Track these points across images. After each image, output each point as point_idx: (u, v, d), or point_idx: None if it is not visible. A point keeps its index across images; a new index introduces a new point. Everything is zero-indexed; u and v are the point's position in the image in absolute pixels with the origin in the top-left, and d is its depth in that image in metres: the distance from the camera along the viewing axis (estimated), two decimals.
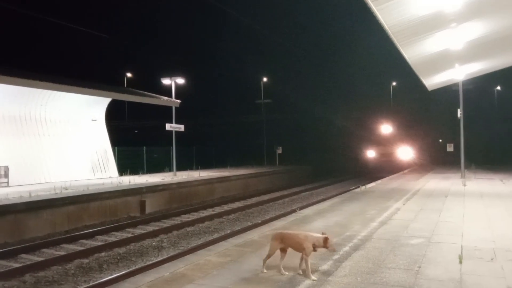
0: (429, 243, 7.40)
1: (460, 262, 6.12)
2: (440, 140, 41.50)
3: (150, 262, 9.65)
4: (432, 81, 20.23)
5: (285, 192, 23.63)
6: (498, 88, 47.49)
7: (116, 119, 28.31)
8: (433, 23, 10.29)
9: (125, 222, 14.30)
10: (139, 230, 13.38)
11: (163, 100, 23.79)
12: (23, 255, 10.40)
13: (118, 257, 10.55)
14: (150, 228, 13.80)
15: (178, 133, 24.15)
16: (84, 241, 12.03)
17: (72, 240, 11.98)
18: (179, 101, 24.17)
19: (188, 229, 13.93)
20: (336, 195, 18.25)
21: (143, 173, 25.73)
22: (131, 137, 37.07)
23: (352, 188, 20.30)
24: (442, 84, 22.55)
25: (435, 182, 19.83)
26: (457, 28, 11.31)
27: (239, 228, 13.79)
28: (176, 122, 23.85)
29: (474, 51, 14.51)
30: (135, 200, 16.49)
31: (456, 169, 24.59)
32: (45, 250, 10.96)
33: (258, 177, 26.68)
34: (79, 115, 21.57)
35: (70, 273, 9.31)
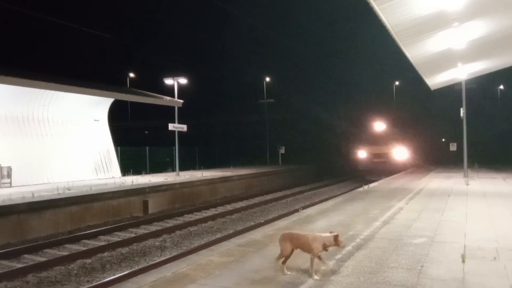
0: (432, 242, 7.38)
1: (463, 261, 6.10)
2: (444, 140, 41.19)
3: (153, 262, 9.66)
4: (435, 80, 20.19)
5: (288, 192, 23.62)
6: (501, 87, 47.32)
7: (119, 119, 28.37)
8: (436, 23, 10.26)
9: (128, 222, 14.33)
10: (142, 230, 13.40)
11: (166, 100, 23.82)
12: (26, 255, 10.43)
13: (121, 257, 10.57)
14: (153, 228, 13.82)
15: (180, 133, 24.18)
16: (87, 241, 12.06)
17: (75, 240, 12.01)
18: (181, 101, 24.20)
19: (191, 229, 13.94)
20: (339, 194, 18.25)
21: (146, 173, 25.77)
22: (134, 137, 37.12)
23: (355, 187, 20.27)
24: (445, 84, 22.49)
25: (437, 181, 19.77)
26: (459, 28, 11.28)
27: (242, 228, 13.80)
28: (179, 122, 23.89)
29: (477, 50, 14.46)
30: (138, 200, 16.52)
31: (458, 169, 24.50)
32: (48, 250, 10.99)
33: (261, 177, 26.68)
34: (82, 115, 21.63)
35: (73, 273, 9.33)
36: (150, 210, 16.79)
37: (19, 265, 9.57)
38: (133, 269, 9.14)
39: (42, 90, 17.98)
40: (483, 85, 38.76)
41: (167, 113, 25.73)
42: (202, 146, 34.82)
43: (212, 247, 6.99)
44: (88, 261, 10.20)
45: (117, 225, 13.81)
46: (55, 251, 10.99)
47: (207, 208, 17.80)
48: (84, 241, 12.04)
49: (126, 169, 23.98)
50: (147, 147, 27.96)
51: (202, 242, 11.86)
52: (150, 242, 12.11)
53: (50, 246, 11.24)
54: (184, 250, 10.85)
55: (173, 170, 24.99)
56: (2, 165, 16.83)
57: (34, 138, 18.97)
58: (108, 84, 23.92)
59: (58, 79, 18.22)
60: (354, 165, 32.65)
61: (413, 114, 40.50)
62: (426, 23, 10.17)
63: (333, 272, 5.64)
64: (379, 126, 31.62)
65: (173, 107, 24.33)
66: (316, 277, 5.43)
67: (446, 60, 15.07)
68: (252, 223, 14.69)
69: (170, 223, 14.70)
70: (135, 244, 11.79)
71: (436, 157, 36.70)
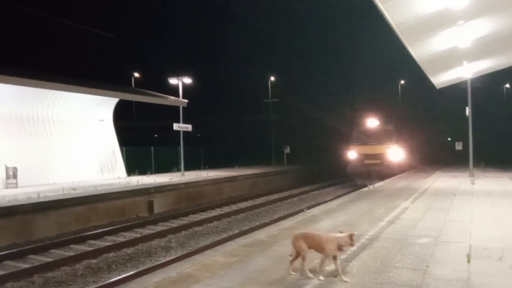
0: (437, 242, 7.35)
1: (468, 261, 6.07)
2: (450, 139, 40.83)
3: (158, 263, 9.69)
4: (440, 79, 20.07)
5: (293, 192, 23.60)
6: (507, 85, 46.93)
7: (124, 119, 28.49)
8: (441, 21, 10.20)
9: (133, 223, 14.39)
10: (148, 231, 13.45)
11: (171, 100, 23.89)
12: (32, 256, 10.50)
13: (127, 258, 10.62)
14: (158, 228, 13.87)
15: (186, 133, 24.24)
16: (92, 241, 12.12)
17: (81, 240, 12.07)
18: (186, 100, 24.26)
19: (196, 229, 13.97)
20: (344, 194, 18.20)
21: (151, 173, 25.86)
22: (139, 137, 37.27)
23: (360, 187, 20.19)
24: (451, 82, 22.36)
25: (443, 181, 19.67)
26: (464, 26, 11.22)
27: (247, 228, 13.80)
28: (184, 122, 23.95)
29: (482, 48, 14.36)
30: (144, 200, 16.58)
31: (464, 168, 24.36)
32: (54, 250, 11.06)
33: (266, 177, 26.68)
34: (87, 115, 21.74)
35: (79, 274, 9.39)
36: (156, 210, 16.85)
37: (25, 266, 9.64)
38: (137, 270, 9.17)
39: (47, 90, 18.10)
40: (488, 84, 38.43)
41: (171, 113, 25.81)
42: (207, 146, 34.88)
43: (217, 247, 7.01)
44: (94, 261, 10.26)
45: (122, 225, 13.87)
46: (61, 251, 11.06)
47: (212, 208, 17.84)
48: (89, 241, 12.10)
49: (131, 169, 24.08)
50: (152, 147, 28.06)
51: (207, 242, 11.88)
52: (155, 242, 12.16)
53: (56, 247, 11.31)
54: (189, 251, 10.87)
55: (178, 170, 25.06)
56: (7, 166, 16.96)
57: (39, 138, 19.10)
58: (113, 84, 24.03)
59: (63, 79, 18.32)
60: (345, 167, 26.45)
61: (416, 112, 40.00)
62: (431, 21, 10.11)
63: (345, 272, 5.58)
64: (372, 122, 26.02)
65: (178, 107, 24.40)
66: (321, 277, 5.40)
67: (451, 58, 14.98)
68: (257, 223, 14.69)
69: (175, 223, 14.75)
70: (141, 244, 11.84)
71: (441, 157, 36.05)
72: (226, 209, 17.68)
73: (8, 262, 9.97)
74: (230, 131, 45.22)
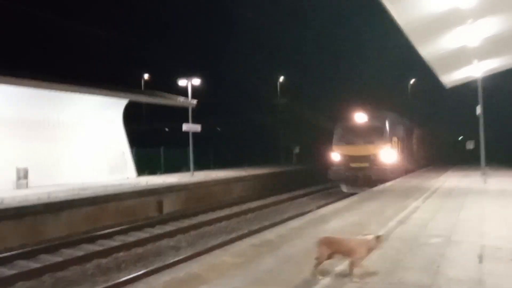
0: (449, 242, 7.24)
1: (480, 261, 5.97)
2: (461, 138, 40.25)
3: (166, 263, 9.70)
4: (450, 78, 19.83)
5: (302, 192, 23.53)
6: None
7: (134, 120, 28.68)
8: (449, 20, 10.07)
9: (143, 223, 14.47)
10: (157, 230, 13.51)
11: (180, 100, 23.98)
12: (43, 255, 10.61)
13: (136, 257, 10.68)
14: (168, 228, 13.92)
15: (194, 133, 24.31)
16: (102, 241, 12.20)
17: (91, 240, 12.17)
18: (195, 101, 24.33)
19: (206, 229, 14.00)
20: (354, 194, 18.07)
21: (161, 173, 25.98)
22: (149, 138, 37.50)
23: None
24: (461, 81, 22.06)
25: (454, 180, 19.44)
26: (473, 24, 11.06)
27: (256, 227, 13.78)
28: (193, 122, 24.03)
29: (493, 47, 14.16)
30: (153, 200, 16.67)
31: (476, 167, 24.04)
32: (64, 250, 11.16)
33: (275, 177, 26.63)
34: (97, 117, 21.92)
35: (89, 273, 9.47)
36: (165, 211, 16.92)
37: (36, 265, 9.74)
38: (147, 270, 9.20)
39: (58, 93, 18.29)
40: (500, 82, 37.80)
41: (182, 114, 25.87)
42: (216, 146, 34.93)
43: (226, 247, 7.00)
44: (104, 261, 10.33)
45: (132, 225, 13.95)
46: (71, 251, 11.16)
47: (221, 208, 17.86)
48: (100, 241, 12.19)
49: (141, 169, 24.22)
50: (162, 147, 28.17)
51: (217, 242, 11.89)
52: (165, 242, 12.21)
53: (66, 246, 11.42)
54: (197, 251, 10.88)
55: (188, 170, 25.14)
56: (18, 167, 17.17)
57: (49, 139, 19.29)
58: (122, 86, 24.21)
59: (73, 82, 18.54)
60: (326, 172, 21.97)
61: (423, 110, 39.24)
62: (439, 20, 9.99)
63: (374, 273, 5.48)
64: (359, 117, 21.18)
65: (186, 108, 24.50)
66: (356, 279, 5.20)
67: (460, 57, 14.81)
68: (267, 223, 14.66)
69: (185, 223, 14.79)
70: (151, 244, 11.90)
71: (452, 156, 35.42)
72: (235, 209, 17.69)
73: (20, 262, 10.09)
74: (239, 131, 45.24)
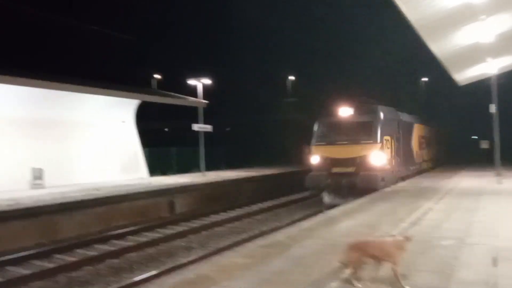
0: (462, 244, 7.12)
1: (495, 264, 5.85)
2: (475, 137, 39.46)
3: (177, 264, 9.73)
4: (463, 75, 19.53)
5: (313, 191, 23.37)
6: None
7: (146, 120, 28.90)
8: (461, 16, 9.90)
9: (155, 223, 14.55)
10: (169, 231, 13.58)
11: (190, 101, 24.09)
12: (57, 255, 10.75)
13: (148, 258, 10.76)
14: (179, 228, 13.99)
15: (205, 133, 24.41)
16: (115, 241, 12.31)
17: (104, 240, 12.28)
18: (205, 101, 24.42)
19: (217, 229, 14.04)
20: (365, 194, 17.90)
21: (173, 173, 26.13)
22: (161, 138, 37.78)
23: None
24: (475, 79, 21.70)
25: (468, 180, 19.13)
26: (486, 21, 10.84)
27: (267, 228, 13.76)
28: (204, 122, 24.13)
29: (507, 44, 13.86)
30: (165, 200, 16.77)
31: (490, 167, 23.61)
32: (77, 250, 11.29)
33: (286, 177, 26.56)
34: (109, 117, 22.14)
35: (102, 273, 9.56)
36: (177, 211, 17.01)
37: (50, 265, 9.88)
38: (158, 271, 9.24)
39: (71, 93, 18.53)
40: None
41: (194, 114, 25.97)
42: (226, 146, 34.99)
43: (236, 248, 7.00)
44: (116, 261, 10.43)
45: (144, 225, 14.04)
46: (84, 251, 11.29)
47: (233, 208, 17.88)
48: (112, 241, 12.30)
49: (153, 169, 24.39)
50: (174, 148, 28.33)
51: (227, 243, 11.90)
52: (176, 242, 12.27)
53: (80, 246, 11.55)
54: (208, 252, 10.90)
55: (199, 170, 25.24)
56: (34, 167, 17.44)
57: (63, 139, 19.54)
58: (134, 86, 24.42)
59: (86, 82, 18.77)
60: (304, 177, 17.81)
61: (435, 108, 38.01)
62: (451, 17, 9.83)
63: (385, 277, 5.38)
64: (345, 111, 17.27)
65: (196, 108, 24.63)
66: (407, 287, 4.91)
67: (473, 54, 14.54)
68: (278, 223, 14.63)
69: (196, 223, 14.84)
70: (162, 244, 11.97)
71: (466, 155, 34.48)
72: (246, 209, 17.70)
73: (34, 262, 10.24)
74: (249, 131, 45.24)
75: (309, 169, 17.82)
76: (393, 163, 17.69)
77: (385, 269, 5.08)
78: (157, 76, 30.62)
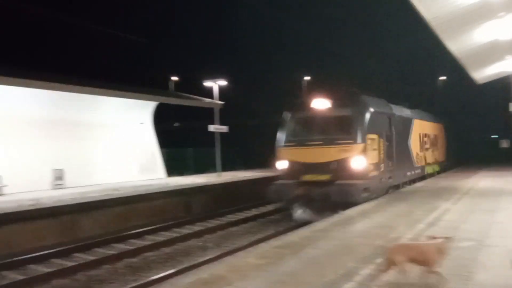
0: (481, 246, 6.99)
1: None
2: (496, 136, 38.42)
3: (192, 263, 9.82)
4: (482, 74, 19.04)
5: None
6: None
7: (163, 121, 29.28)
8: (479, 13, 9.67)
9: (172, 222, 14.71)
10: (185, 230, 13.73)
11: (206, 102, 24.27)
12: (76, 254, 11.00)
13: (165, 257, 10.91)
14: (195, 228, 14.12)
15: (221, 133, 24.55)
16: (133, 240, 12.52)
17: (122, 239, 12.49)
18: (221, 102, 24.57)
19: (232, 229, 14.11)
20: (381, 194, 17.73)
21: (190, 174, 26.36)
22: (177, 138, 38.13)
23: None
24: (494, 77, 21.18)
25: (487, 180, 18.72)
26: (505, 18, 10.58)
27: (282, 228, 13.75)
28: (220, 123, 24.28)
29: None
30: (182, 200, 16.94)
31: (510, 167, 23.06)
32: (96, 249, 11.52)
33: None
34: (128, 118, 22.50)
35: (120, 272, 9.73)
36: (193, 211, 17.16)
37: (70, 264, 10.11)
38: (174, 270, 9.35)
39: (91, 96, 18.92)
40: None
41: (210, 114, 26.16)
42: (242, 147, 35.06)
43: (250, 249, 7.03)
44: (134, 260, 10.60)
45: (161, 225, 14.21)
46: (103, 250, 11.51)
47: (248, 208, 17.94)
48: (130, 240, 12.51)
49: (170, 170, 24.66)
50: (191, 148, 28.56)
51: (242, 243, 11.95)
52: (192, 242, 12.39)
53: (99, 245, 11.78)
54: (222, 252, 10.97)
55: (215, 171, 25.40)
56: (55, 168, 17.88)
57: (83, 141, 19.96)
58: (151, 88, 24.76)
59: (106, 85, 19.20)
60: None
61: (451, 106, 36.25)
62: (469, 14, 9.61)
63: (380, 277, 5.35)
64: (320, 103, 13.92)
65: (211, 109, 24.80)
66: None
67: (492, 52, 14.19)
68: (294, 224, 14.59)
69: (212, 223, 14.95)
70: (178, 244, 12.11)
71: (484, 155, 33.26)
72: (262, 209, 17.73)
73: (55, 260, 10.50)
74: (264, 132, 45.23)
75: (277, 176, 14.42)
76: (382, 168, 14.16)
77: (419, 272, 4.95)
78: (174, 78, 30.96)
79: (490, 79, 21.97)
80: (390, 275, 5.00)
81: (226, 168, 27.53)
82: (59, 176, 17.98)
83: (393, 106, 16.19)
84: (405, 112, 17.87)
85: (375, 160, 13.71)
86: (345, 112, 13.56)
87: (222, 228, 14.04)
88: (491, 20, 10.33)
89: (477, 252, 6.63)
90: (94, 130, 20.50)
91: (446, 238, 4.96)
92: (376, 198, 13.30)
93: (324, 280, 5.40)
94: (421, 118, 20.00)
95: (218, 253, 10.83)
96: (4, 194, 15.51)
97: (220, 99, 24.84)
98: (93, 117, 20.45)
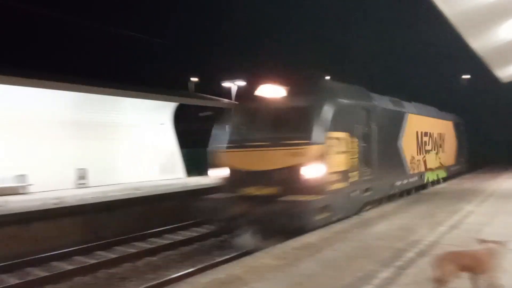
0: (506, 250, 6.78)
1: None
2: None
3: (208, 263, 9.85)
4: (507, 72, 18.36)
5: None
6: None
7: (183, 121, 29.61)
8: (504, 8, 9.31)
9: (191, 222, 14.81)
10: (204, 230, 13.79)
11: (225, 102, 24.38)
12: (98, 252, 11.22)
13: (184, 256, 11.00)
14: (214, 227, 14.16)
15: None
16: (153, 239, 12.69)
17: (142, 238, 12.68)
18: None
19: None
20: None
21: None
22: (197, 139, 38.46)
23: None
24: None
25: None
26: None
27: None
28: None
29: None
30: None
31: None
32: (117, 247, 11.73)
33: None
34: (148, 119, 22.83)
35: (140, 270, 9.89)
36: None
37: (92, 261, 10.33)
38: (190, 269, 9.40)
39: (113, 97, 19.30)
40: None
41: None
42: None
43: (267, 249, 7.02)
44: (154, 258, 10.74)
45: (181, 224, 14.33)
46: (124, 248, 11.71)
47: None
48: (150, 239, 12.68)
49: (190, 170, 24.86)
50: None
51: (259, 243, 11.91)
52: (211, 241, 12.45)
53: (120, 244, 11.99)
54: (239, 252, 10.95)
55: None
56: (78, 168, 18.31)
57: (106, 141, 20.34)
58: (171, 90, 25.05)
59: (128, 87, 19.60)
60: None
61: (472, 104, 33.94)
62: (492, 11, 9.28)
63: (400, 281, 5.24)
64: (268, 91, 10.61)
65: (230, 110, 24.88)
66: None
67: None
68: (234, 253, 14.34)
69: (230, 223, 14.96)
70: (197, 243, 12.19)
71: (509, 158, 31.84)
72: None
73: (77, 258, 10.75)
74: None
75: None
76: (354, 178, 10.51)
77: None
78: (194, 79, 31.30)
79: None
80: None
81: None
82: (82, 175, 18.39)
83: (375, 96, 12.72)
84: (395, 104, 14.06)
85: (342, 167, 10.00)
86: (300, 102, 9.89)
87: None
88: None
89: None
90: (117, 131, 20.86)
91: (498, 242, 4.70)
92: (343, 218, 9.87)
93: (342, 283, 5.36)
94: (420, 113, 16.28)
95: (234, 253, 10.85)
96: (30, 192, 15.96)
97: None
98: (115, 118, 20.82)
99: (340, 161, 9.99)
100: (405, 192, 14.76)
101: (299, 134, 9.61)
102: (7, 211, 11.63)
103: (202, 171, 26.12)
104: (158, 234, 13.18)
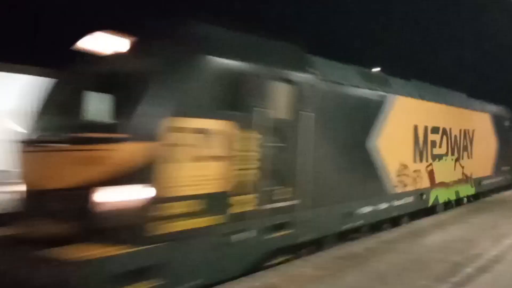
0: None
1: None
2: None
3: None
4: None
5: None
6: None
7: None
8: None
9: None
10: None
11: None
12: None
13: None
14: None
15: None
16: None
17: None
18: None
19: None
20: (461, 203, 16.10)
21: None
22: None
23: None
24: None
25: None
26: None
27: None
28: None
29: None
30: None
31: None
32: None
33: None
34: None
35: None
36: None
37: None
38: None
39: None
40: None
41: None
42: None
43: (307, 258, 6.58)
44: None
45: None
46: None
47: None
48: None
49: None
50: None
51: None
52: None
53: None
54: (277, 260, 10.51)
55: None
56: None
57: None
58: None
59: None
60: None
61: None
62: None
63: None
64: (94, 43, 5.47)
65: None
66: None
67: None
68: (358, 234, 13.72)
69: None
70: None
71: None
72: None
73: None
74: None
75: None
76: (237, 208, 5.67)
77: None
78: None
79: None
80: None
81: None
82: None
83: (320, 63, 7.73)
84: (366, 80, 8.89)
85: (208, 187, 5.34)
86: (130, 61, 5.31)
87: None
88: None
89: None
90: None
91: None
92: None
93: None
94: (423, 98, 10.75)
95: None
96: None
97: None
98: None
99: (203, 175, 5.25)
100: (384, 224, 9.24)
101: (104, 122, 5.46)
102: None
103: None
104: None
